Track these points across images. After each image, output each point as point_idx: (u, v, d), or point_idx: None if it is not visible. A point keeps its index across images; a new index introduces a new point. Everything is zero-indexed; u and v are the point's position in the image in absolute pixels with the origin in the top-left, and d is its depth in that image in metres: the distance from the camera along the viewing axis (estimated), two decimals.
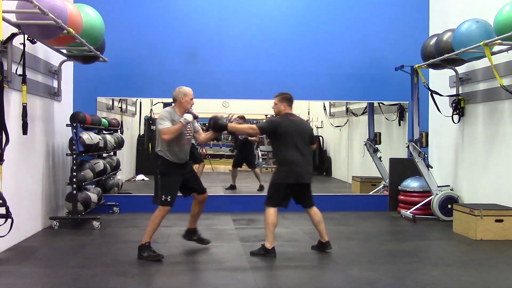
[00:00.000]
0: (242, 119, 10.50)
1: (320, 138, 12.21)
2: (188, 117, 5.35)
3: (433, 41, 7.54)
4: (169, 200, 5.35)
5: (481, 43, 6.07)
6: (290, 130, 5.55)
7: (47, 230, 6.76)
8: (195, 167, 8.35)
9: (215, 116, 5.64)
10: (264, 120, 11.56)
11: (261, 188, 9.99)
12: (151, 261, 5.17)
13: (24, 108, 5.55)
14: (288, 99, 5.68)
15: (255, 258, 5.38)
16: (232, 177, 10.41)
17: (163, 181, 5.37)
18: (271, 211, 5.46)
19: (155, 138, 5.62)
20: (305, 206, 5.67)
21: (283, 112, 5.67)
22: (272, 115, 11.23)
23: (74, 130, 6.83)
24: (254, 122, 7.85)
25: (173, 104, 5.54)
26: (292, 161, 5.49)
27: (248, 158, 10.70)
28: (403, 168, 8.52)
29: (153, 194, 5.44)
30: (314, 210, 5.67)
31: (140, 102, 10.57)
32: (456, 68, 7.75)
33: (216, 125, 5.59)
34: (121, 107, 10.07)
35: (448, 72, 8.11)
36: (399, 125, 9.52)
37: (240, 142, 10.72)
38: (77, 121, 6.98)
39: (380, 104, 9.72)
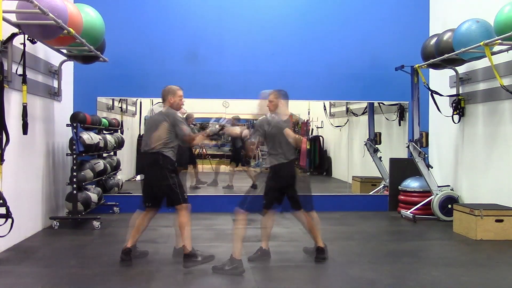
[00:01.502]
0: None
1: (320, 138, 12.19)
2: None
3: (433, 41, 7.55)
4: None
5: (481, 43, 6.07)
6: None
7: (47, 230, 6.76)
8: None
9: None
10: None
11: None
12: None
13: (24, 108, 5.56)
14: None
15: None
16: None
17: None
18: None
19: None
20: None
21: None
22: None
23: (74, 130, 6.83)
24: (254, 121, 7.82)
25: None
26: None
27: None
28: (403, 168, 8.53)
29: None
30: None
31: (140, 102, 10.55)
32: (456, 68, 7.75)
33: None
34: (121, 107, 10.05)
35: (448, 72, 8.10)
36: (399, 125, 9.52)
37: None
38: (77, 121, 6.98)
39: (380, 104, 9.72)
